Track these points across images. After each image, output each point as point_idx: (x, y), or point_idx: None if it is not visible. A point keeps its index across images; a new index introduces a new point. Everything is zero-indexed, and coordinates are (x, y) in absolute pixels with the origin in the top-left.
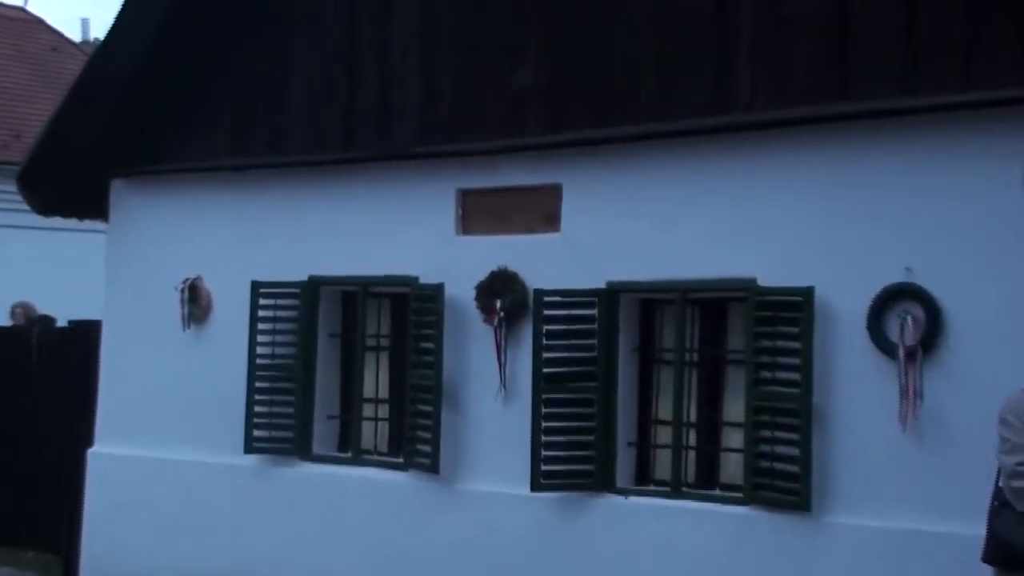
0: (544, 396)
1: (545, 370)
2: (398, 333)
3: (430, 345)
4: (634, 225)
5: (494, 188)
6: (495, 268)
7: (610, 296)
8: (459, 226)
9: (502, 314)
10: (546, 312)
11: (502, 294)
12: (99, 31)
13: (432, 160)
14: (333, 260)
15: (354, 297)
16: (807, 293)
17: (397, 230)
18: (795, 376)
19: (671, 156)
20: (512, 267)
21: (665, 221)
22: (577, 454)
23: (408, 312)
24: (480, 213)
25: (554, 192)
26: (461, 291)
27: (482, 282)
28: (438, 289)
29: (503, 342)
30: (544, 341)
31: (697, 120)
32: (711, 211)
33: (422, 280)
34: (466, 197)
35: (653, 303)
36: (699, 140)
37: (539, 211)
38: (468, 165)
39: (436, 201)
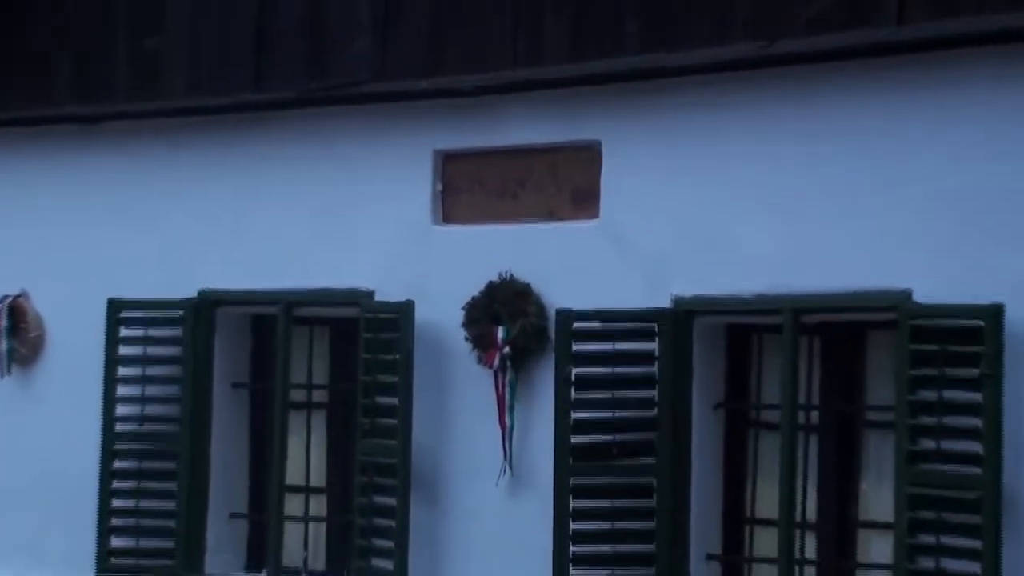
0: (573, 481)
1: (575, 439)
2: (341, 381)
3: (392, 400)
4: (715, 207)
5: (493, 149)
6: (495, 277)
7: (679, 320)
8: (438, 210)
9: (507, 350)
10: (577, 347)
11: (507, 318)
12: None
13: (396, 106)
14: (237, 266)
15: (271, 324)
16: (992, 314)
17: (340, 218)
18: (975, 447)
19: (773, 96)
20: (522, 275)
21: (764, 200)
22: (627, 573)
23: (357, 348)
24: (472, 189)
25: (589, 156)
26: (441, 313)
27: (475, 299)
28: (404, 311)
29: (508, 394)
30: (573, 393)
31: (813, 40)
32: (836, 183)
33: (379, 296)
34: (449, 164)
35: (748, 331)
36: (818, 70)
37: (565, 185)
38: (453, 113)
39: (402, 171)
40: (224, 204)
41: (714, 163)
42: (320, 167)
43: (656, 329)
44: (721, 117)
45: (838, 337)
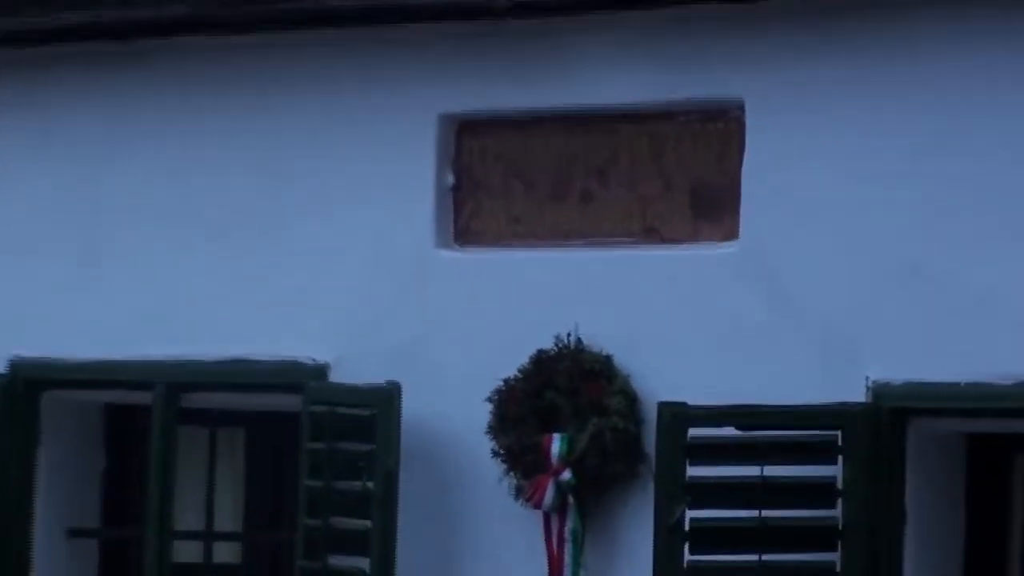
0: None
1: None
2: (265, 528)
3: (357, 564)
4: (942, 230)
5: (546, 114)
6: (547, 343)
7: (880, 423)
8: (445, 221)
9: (567, 475)
10: (696, 470)
11: (569, 418)
12: None
13: (371, 36)
14: (78, 319)
15: (140, 422)
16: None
17: (268, 237)
18: None
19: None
20: (596, 339)
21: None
22: None
23: (296, 468)
24: (507, 185)
25: (722, 129)
26: (448, 407)
27: (511, 383)
28: (383, 401)
29: (568, 553)
30: (689, 553)
31: None
32: None
33: (338, 375)
34: (467, 138)
35: (996, 446)
36: None
37: (678, 180)
38: (475, 53)
39: (384, 151)
40: (54, 205)
41: (930, 141)
42: (235, 145)
43: (839, 440)
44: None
45: None
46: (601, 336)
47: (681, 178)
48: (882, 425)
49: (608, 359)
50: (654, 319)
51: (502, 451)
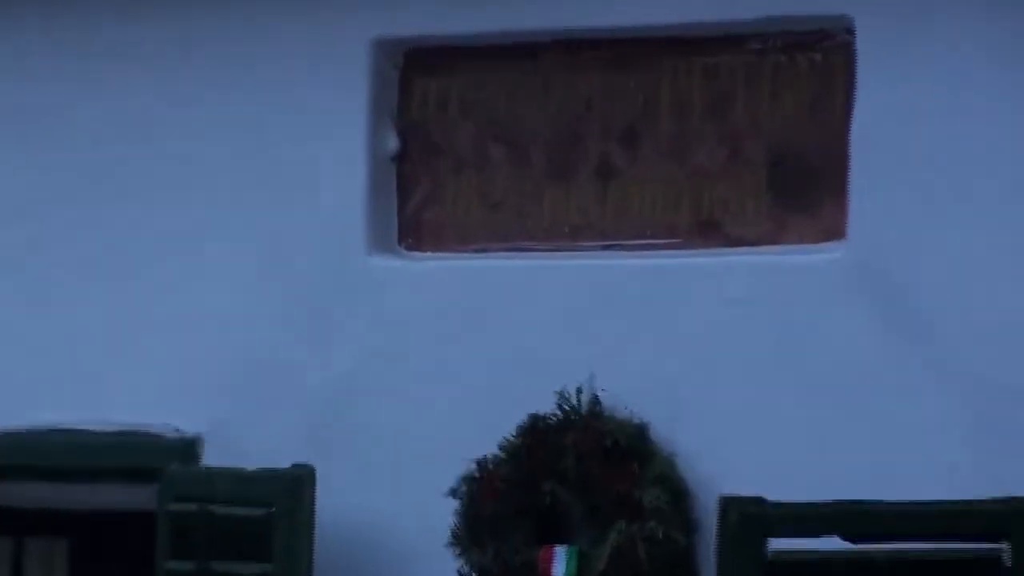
0: None
1: None
2: None
3: None
4: None
5: (543, 38)
6: (544, 405)
7: None
8: (384, 210)
9: None
10: None
11: (581, 517)
12: None
13: None
14: None
15: None
16: None
17: (94, 241)
18: None
19: None
20: (619, 399)
21: None
22: None
23: None
24: (479, 149)
25: (821, 60)
26: (390, 503)
27: (489, 465)
28: (284, 494)
29: None
30: None
31: None
32: None
33: (214, 454)
34: (418, 73)
35: None
36: None
37: (749, 143)
38: None
39: (293, 90)
40: None
41: None
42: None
43: (1005, 557)
44: None
45: None
46: (629, 392)
47: (756, 142)
48: None
49: (641, 429)
50: (712, 366)
51: (473, 574)
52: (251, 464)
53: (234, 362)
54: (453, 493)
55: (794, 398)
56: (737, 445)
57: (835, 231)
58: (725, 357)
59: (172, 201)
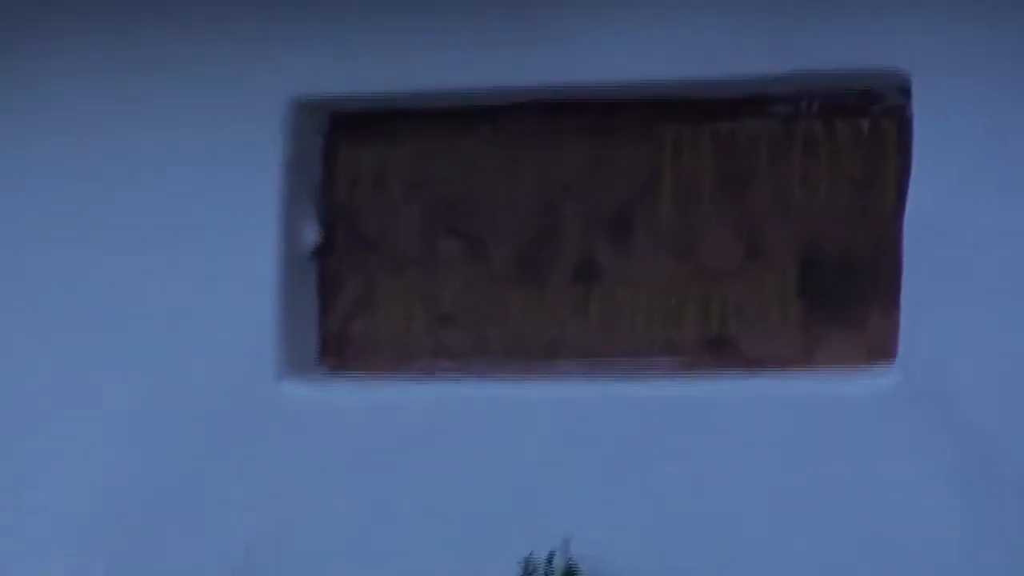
0: None
1: None
2: None
3: None
4: None
5: (508, 98)
6: (513, 571)
7: None
8: (300, 322)
9: None
10: None
11: None
12: None
13: None
14: None
15: None
16: None
17: None
18: None
19: None
20: (604, 562)
21: None
22: None
23: None
24: (425, 239)
25: (869, 126)
26: None
27: None
28: None
29: None
30: None
31: None
32: None
33: None
34: (344, 140)
35: None
36: None
37: (771, 233)
38: None
39: (198, 162)
40: None
41: None
42: None
43: None
44: None
45: None
46: (616, 557)
47: (782, 234)
48: None
49: None
50: (726, 525)
51: None
52: None
53: (107, 512)
54: None
55: (837, 566)
56: None
57: (883, 350)
58: (743, 514)
59: (43, 307)
